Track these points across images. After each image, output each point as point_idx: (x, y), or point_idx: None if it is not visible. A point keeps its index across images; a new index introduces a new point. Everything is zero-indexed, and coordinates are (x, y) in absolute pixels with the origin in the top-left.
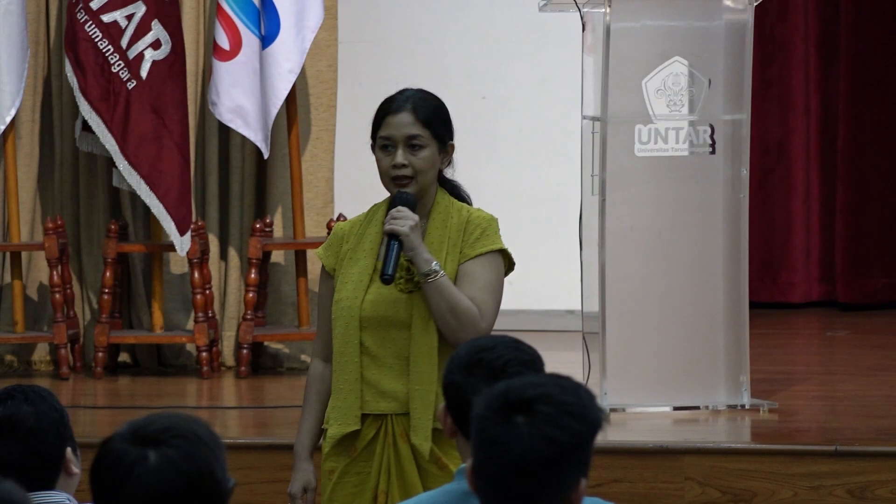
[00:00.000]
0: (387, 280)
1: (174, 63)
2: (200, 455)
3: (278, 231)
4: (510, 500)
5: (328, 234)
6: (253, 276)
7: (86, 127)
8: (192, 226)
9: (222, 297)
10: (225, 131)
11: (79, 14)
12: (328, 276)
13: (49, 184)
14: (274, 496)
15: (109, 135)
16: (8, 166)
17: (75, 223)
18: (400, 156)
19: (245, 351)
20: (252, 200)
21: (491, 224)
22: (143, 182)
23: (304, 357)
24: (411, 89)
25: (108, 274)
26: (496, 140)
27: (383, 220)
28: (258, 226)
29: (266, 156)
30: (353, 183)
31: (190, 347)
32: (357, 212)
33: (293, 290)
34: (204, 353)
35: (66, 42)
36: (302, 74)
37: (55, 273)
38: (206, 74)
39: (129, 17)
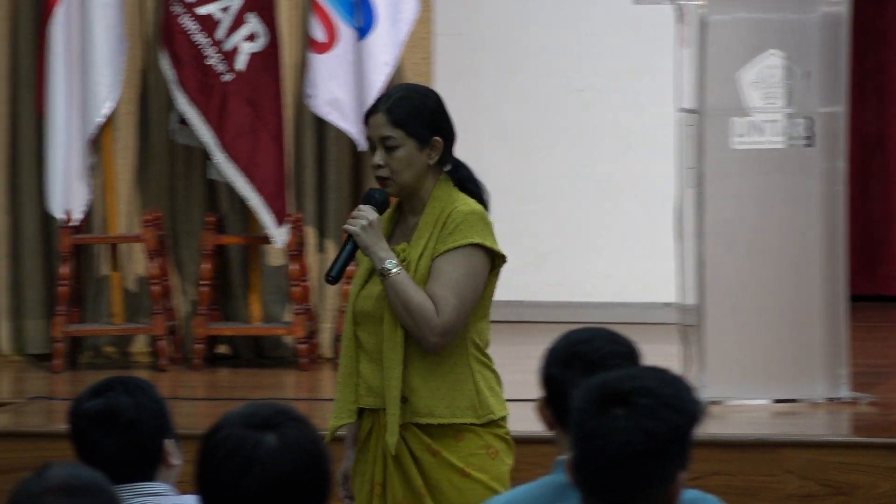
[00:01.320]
0: (330, 281)
1: (270, 56)
2: (313, 434)
3: None
4: (609, 493)
5: None
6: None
7: (182, 120)
8: (288, 218)
9: (320, 288)
10: (321, 124)
11: (174, 7)
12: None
13: (146, 176)
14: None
15: (206, 127)
16: (106, 159)
17: (172, 215)
18: (377, 156)
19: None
20: (349, 193)
21: (467, 218)
22: (239, 175)
23: None
24: (399, 88)
25: (205, 266)
26: (592, 133)
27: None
28: None
29: (361, 148)
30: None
31: (288, 339)
32: None
33: None
34: (302, 345)
35: (162, 35)
36: (398, 67)
37: (153, 265)
38: (302, 67)
39: (225, 10)
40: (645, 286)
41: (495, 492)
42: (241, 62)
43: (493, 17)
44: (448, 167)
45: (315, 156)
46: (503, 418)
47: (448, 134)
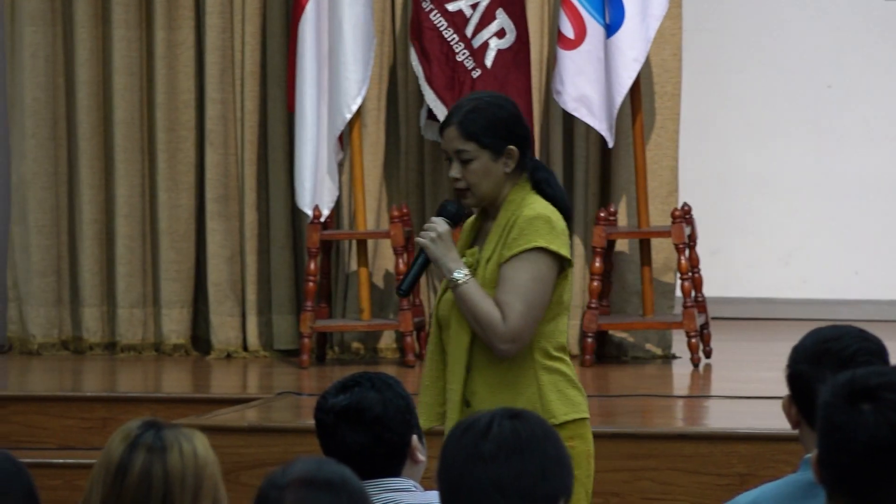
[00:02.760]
0: (401, 294)
1: (518, 52)
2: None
3: (622, 220)
4: (855, 489)
5: (673, 223)
6: (597, 264)
7: (431, 115)
8: None
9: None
10: (569, 120)
11: (424, 3)
12: None
13: (394, 172)
14: (618, 484)
15: None
16: (354, 155)
17: (421, 211)
18: (454, 170)
19: (590, 339)
20: (596, 189)
21: (533, 222)
22: None
23: (648, 346)
24: (475, 95)
25: None
26: (840, 129)
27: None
28: (602, 214)
29: (611, 145)
30: (696, 172)
31: None
32: (700, 200)
33: (637, 279)
34: None
35: (412, 31)
36: (646, 63)
37: (401, 261)
38: (551, 63)
39: (474, 6)
40: (894, 283)
41: None
42: (489, 58)
43: (740, 12)
44: (526, 172)
45: (563, 152)
46: (571, 422)
47: (523, 140)
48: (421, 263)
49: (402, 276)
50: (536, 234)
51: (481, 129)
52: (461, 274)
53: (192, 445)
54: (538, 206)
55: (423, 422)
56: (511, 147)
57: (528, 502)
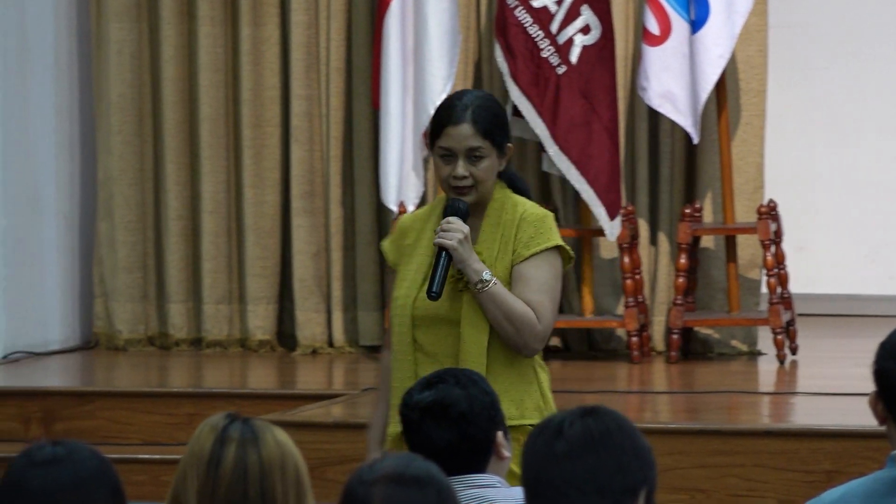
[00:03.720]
0: (433, 297)
1: (604, 48)
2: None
3: (708, 216)
4: None
5: (758, 219)
6: (683, 261)
7: (516, 112)
8: (621, 211)
9: (652, 281)
10: (654, 116)
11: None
12: (391, 270)
13: None
14: (704, 480)
15: (539, 120)
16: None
17: None
18: (461, 168)
19: (675, 336)
20: (682, 185)
21: (544, 221)
22: (572, 167)
23: (734, 342)
24: (470, 94)
25: None
26: None
27: (434, 228)
28: (688, 211)
29: (696, 141)
30: (782, 168)
31: (620, 332)
32: (786, 196)
33: (723, 275)
34: (634, 338)
35: (497, 27)
36: (731, 59)
37: None
38: (636, 59)
39: (559, 3)
40: None
41: None
42: (574, 55)
43: (826, 8)
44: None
45: (648, 148)
46: None
47: (510, 139)
48: (446, 264)
49: (430, 280)
50: (551, 233)
51: (494, 126)
52: (489, 275)
53: (279, 435)
54: (532, 204)
55: (397, 425)
56: (510, 145)
57: (606, 497)
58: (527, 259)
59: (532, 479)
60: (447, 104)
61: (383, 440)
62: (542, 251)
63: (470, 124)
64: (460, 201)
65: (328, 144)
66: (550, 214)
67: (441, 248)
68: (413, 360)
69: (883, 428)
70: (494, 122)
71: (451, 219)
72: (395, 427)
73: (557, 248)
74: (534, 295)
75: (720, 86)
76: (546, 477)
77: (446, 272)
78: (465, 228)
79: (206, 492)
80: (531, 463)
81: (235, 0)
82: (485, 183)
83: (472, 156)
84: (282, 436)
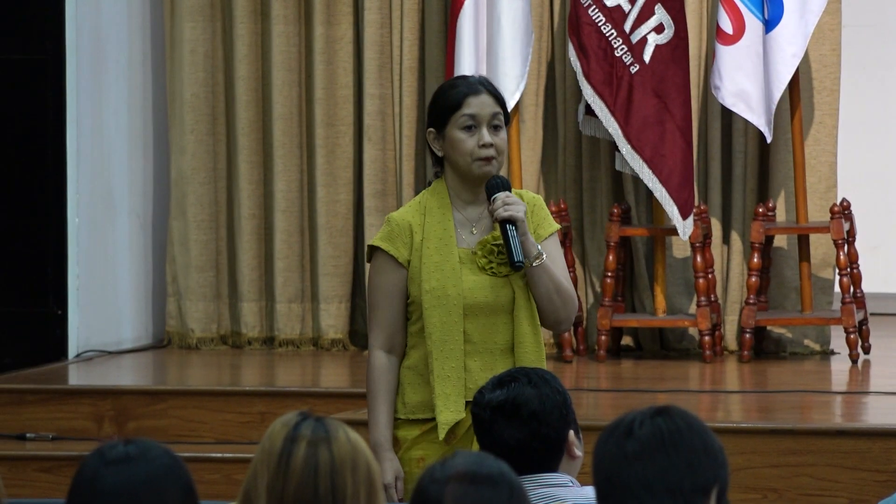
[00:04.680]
0: (519, 267)
1: (677, 47)
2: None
3: (781, 215)
4: None
5: (831, 218)
6: (755, 260)
7: (589, 111)
8: (694, 210)
9: (725, 281)
10: (727, 115)
11: None
12: (396, 266)
13: (552, 167)
14: (776, 480)
15: (612, 119)
16: (512, 150)
17: (578, 206)
18: (486, 135)
19: (748, 335)
20: (754, 185)
21: (544, 204)
22: (645, 166)
23: (806, 342)
24: (472, 76)
25: (610, 257)
26: None
27: (488, 207)
28: (761, 210)
29: (769, 140)
30: (855, 167)
31: (692, 331)
32: (859, 196)
33: (796, 275)
34: (706, 338)
35: (570, 26)
36: (805, 58)
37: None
38: (709, 58)
39: (633, 2)
40: None
41: None
42: (648, 54)
43: None
44: None
45: (721, 147)
46: None
47: None
48: (515, 236)
49: (509, 252)
50: (552, 218)
51: (503, 100)
52: (540, 248)
53: (351, 434)
54: (525, 190)
55: (452, 413)
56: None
57: (677, 497)
58: (546, 238)
59: (603, 480)
60: (455, 83)
61: (392, 440)
62: (553, 233)
63: (488, 94)
64: (501, 177)
65: (401, 143)
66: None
67: (507, 222)
68: (463, 350)
69: None
70: (502, 97)
71: (509, 193)
72: (447, 415)
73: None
74: (562, 271)
75: (793, 85)
76: (617, 477)
77: (519, 242)
78: (524, 202)
79: (276, 489)
80: (602, 463)
81: None
82: (503, 154)
83: (494, 125)
84: (354, 435)
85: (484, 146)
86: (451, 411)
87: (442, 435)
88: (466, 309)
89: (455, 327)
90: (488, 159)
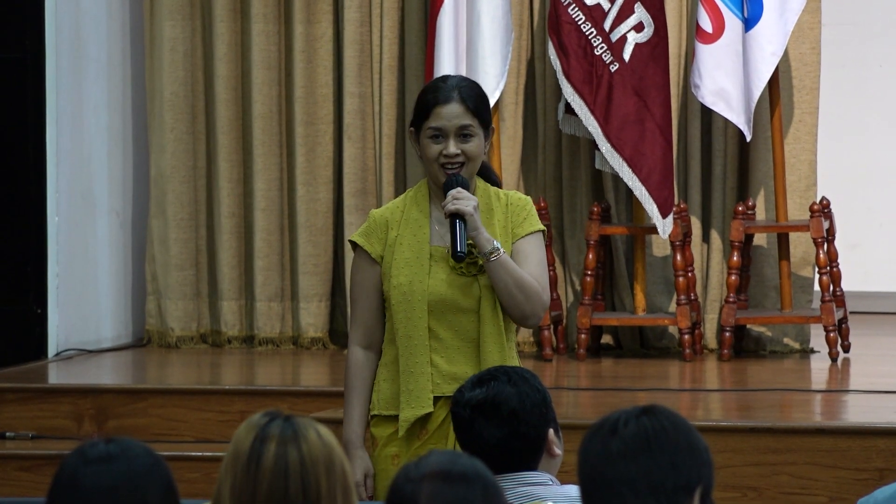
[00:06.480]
0: (460, 257)
1: (657, 46)
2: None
3: (760, 214)
4: None
5: (811, 217)
6: (735, 258)
7: (569, 109)
8: (674, 208)
9: (704, 279)
10: (707, 114)
11: None
12: (371, 262)
13: (532, 166)
14: (756, 478)
15: (592, 117)
16: (492, 149)
17: (558, 205)
18: (452, 146)
19: (727, 334)
20: (734, 183)
21: (531, 205)
22: (625, 164)
23: (786, 340)
24: (455, 77)
25: (590, 256)
26: None
27: (441, 204)
28: (740, 208)
29: (749, 139)
30: (835, 165)
31: (672, 330)
32: (839, 194)
33: (775, 273)
34: (686, 336)
35: (550, 25)
36: (784, 57)
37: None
38: (689, 57)
39: (612, 0)
40: None
41: None
42: (627, 52)
43: (880, 6)
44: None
45: (701, 146)
46: None
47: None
48: (461, 230)
49: (452, 243)
50: (536, 217)
51: (481, 105)
52: (499, 244)
53: (324, 432)
54: (512, 191)
55: (414, 409)
56: (493, 127)
57: (661, 496)
58: (524, 237)
59: (587, 478)
60: (433, 86)
61: (364, 437)
62: (535, 231)
63: (459, 103)
64: (458, 175)
65: (381, 142)
66: (531, 199)
67: (454, 216)
68: (428, 345)
69: None
70: (481, 101)
71: (460, 189)
72: (410, 411)
73: (542, 232)
74: (535, 268)
75: (773, 83)
76: (601, 476)
77: (464, 236)
78: (475, 198)
79: (246, 490)
80: (586, 462)
81: None
82: (475, 161)
83: (462, 134)
84: (326, 433)
85: (447, 155)
86: (412, 408)
87: (401, 432)
88: (431, 305)
89: (419, 323)
90: (452, 168)
